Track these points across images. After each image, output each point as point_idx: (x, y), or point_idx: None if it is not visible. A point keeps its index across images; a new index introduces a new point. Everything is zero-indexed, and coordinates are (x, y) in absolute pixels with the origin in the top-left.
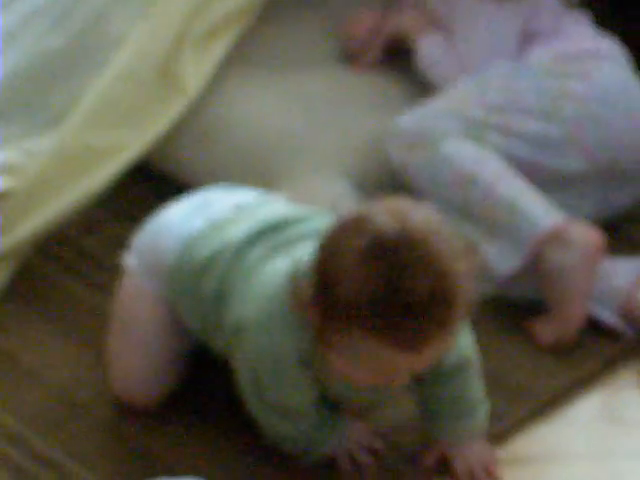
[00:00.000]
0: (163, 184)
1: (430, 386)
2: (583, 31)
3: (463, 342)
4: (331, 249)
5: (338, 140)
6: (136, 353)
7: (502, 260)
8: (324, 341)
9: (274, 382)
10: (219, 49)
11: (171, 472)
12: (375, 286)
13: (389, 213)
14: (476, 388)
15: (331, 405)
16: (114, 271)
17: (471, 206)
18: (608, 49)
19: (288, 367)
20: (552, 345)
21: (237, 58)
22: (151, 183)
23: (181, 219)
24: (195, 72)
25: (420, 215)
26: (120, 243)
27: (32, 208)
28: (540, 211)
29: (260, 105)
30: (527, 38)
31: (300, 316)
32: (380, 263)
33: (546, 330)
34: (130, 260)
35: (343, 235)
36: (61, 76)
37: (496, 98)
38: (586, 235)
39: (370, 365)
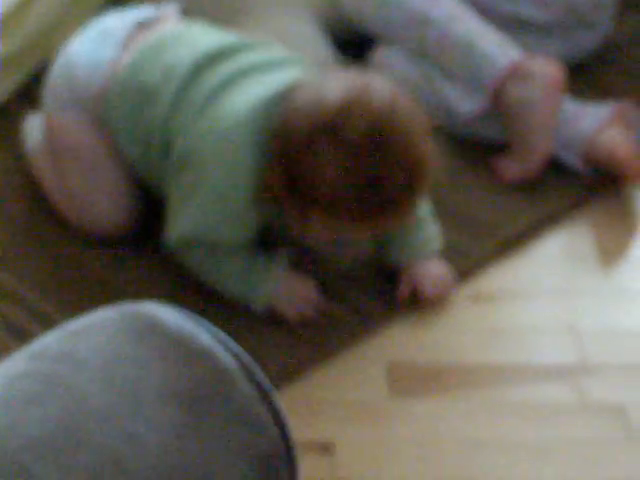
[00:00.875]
0: None
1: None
2: None
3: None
4: (303, 150)
5: None
6: (89, 182)
7: (464, 101)
8: (294, 219)
9: (216, 222)
10: None
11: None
12: (352, 183)
13: (357, 105)
14: (430, 220)
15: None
16: None
17: (427, 47)
18: None
19: (240, 204)
20: (516, 181)
21: None
22: None
23: (89, 50)
24: None
25: (384, 102)
26: None
27: None
28: (498, 49)
29: None
30: None
31: (262, 159)
32: (355, 163)
33: (510, 166)
34: (50, 108)
35: (316, 138)
36: None
37: None
38: (546, 68)
39: (333, 233)
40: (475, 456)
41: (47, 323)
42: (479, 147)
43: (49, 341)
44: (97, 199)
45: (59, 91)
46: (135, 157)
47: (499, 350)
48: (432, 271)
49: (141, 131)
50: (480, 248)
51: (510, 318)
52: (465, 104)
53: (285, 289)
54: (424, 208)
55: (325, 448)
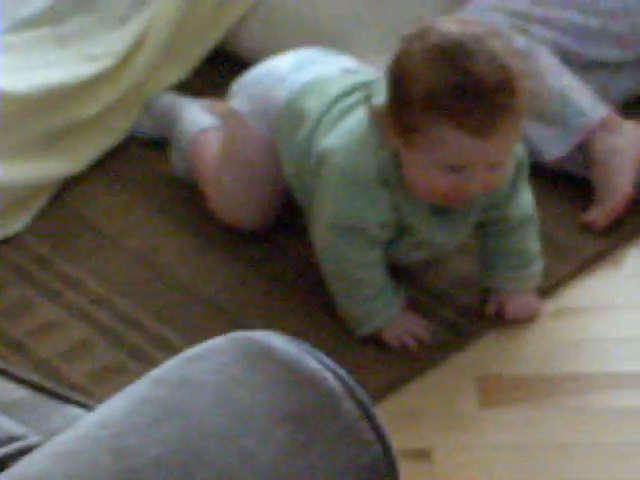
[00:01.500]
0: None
1: (494, 239)
2: None
3: (526, 200)
4: (401, 55)
5: (392, 22)
6: (245, 186)
7: (551, 146)
8: (403, 143)
9: (353, 203)
10: None
11: (246, 327)
12: (446, 75)
13: (451, 21)
14: (534, 244)
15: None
16: None
17: None
18: None
19: (369, 184)
20: (601, 225)
21: None
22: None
23: (291, 70)
24: None
25: (480, 23)
26: None
27: None
28: (589, 103)
29: None
30: None
31: (380, 137)
32: (448, 57)
33: (595, 212)
34: (238, 105)
35: (410, 43)
36: None
37: None
38: (633, 124)
39: (446, 160)
40: (564, 460)
41: (165, 347)
42: (561, 173)
43: (168, 368)
44: (249, 205)
45: (257, 104)
46: (290, 173)
47: (582, 360)
48: (523, 299)
49: (295, 149)
50: (561, 268)
51: (590, 331)
52: (551, 149)
53: (400, 324)
54: (536, 245)
55: (423, 455)
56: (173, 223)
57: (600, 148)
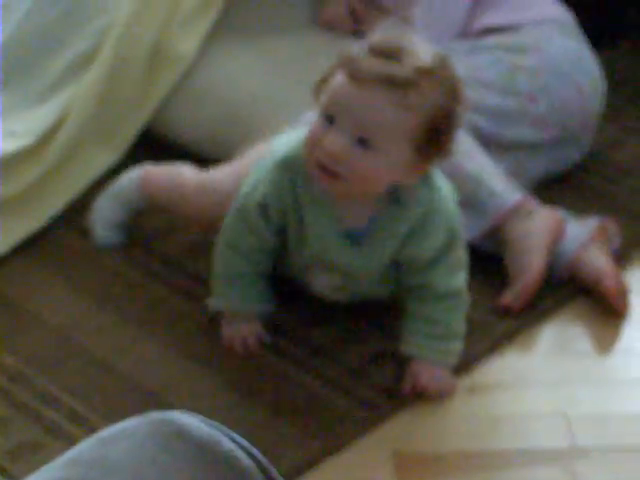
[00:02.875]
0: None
1: (418, 303)
2: None
3: (456, 276)
4: None
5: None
6: None
7: (465, 228)
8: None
9: (254, 184)
10: (206, 23)
11: (169, 407)
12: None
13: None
14: (458, 322)
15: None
16: None
17: None
18: (557, 15)
19: (273, 165)
20: (515, 304)
21: (219, 25)
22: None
23: None
24: (188, 44)
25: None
26: None
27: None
28: (503, 187)
29: (242, 66)
30: (478, 2)
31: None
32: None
33: (511, 298)
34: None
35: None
36: (54, 45)
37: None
38: (546, 210)
39: (325, 107)
40: None
41: (82, 424)
42: (474, 253)
43: (83, 448)
44: None
45: None
46: None
47: (496, 437)
48: (436, 374)
49: None
50: (476, 346)
51: (505, 407)
52: (467, 231)
53: (240, 327)
54: (461, 325)
55: None
56: (93, 300)
57: (513, 232)
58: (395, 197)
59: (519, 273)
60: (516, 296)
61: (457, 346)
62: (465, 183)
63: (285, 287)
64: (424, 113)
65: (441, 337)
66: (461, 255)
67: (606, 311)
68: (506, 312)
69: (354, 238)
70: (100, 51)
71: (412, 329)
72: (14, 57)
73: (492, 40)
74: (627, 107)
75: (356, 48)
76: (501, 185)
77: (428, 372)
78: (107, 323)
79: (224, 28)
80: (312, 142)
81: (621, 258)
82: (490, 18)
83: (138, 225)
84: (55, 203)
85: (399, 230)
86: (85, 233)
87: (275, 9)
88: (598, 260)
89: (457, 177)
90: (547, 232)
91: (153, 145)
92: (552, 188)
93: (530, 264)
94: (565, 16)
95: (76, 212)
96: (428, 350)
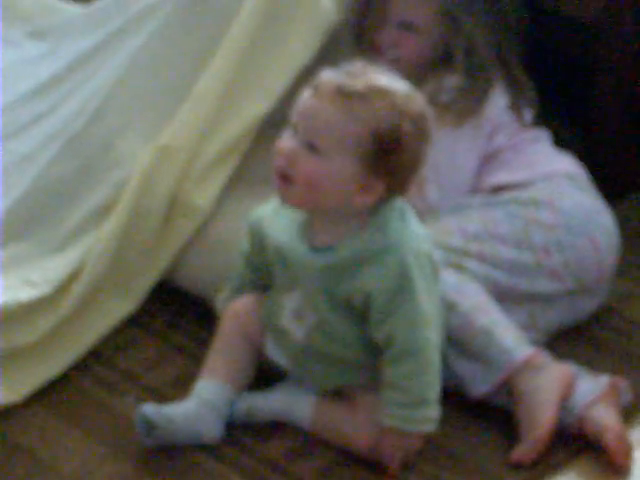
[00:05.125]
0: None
1: (385, 367)
2: (542, 150)
3: (420, 334)
4: None
5: None
6: None
7: (476, 382)
8: None
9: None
10: (223, 175)
11: None
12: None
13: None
14: (426, 387)
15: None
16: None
17: (449, 330)
18: (568, 170)
19: None
20: (525, 459)
21: (236, 175)
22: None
23: None
24: (204, 197)
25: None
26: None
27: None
28: (514, 342)
29: None
30: (488, 156)
31: None
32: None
33: (523, 454)
34: None
35: None
36: (73, 196)
37: (474, 228)
38: (557, 365)
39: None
40: None
41: None
42: (486, 407)
43: None
44: None
45: None
46: None
47: None
48: (404, 443)
49: None
50: None
51: None
52: (477, 386)
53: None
54: (427, 387)
55: None
56: (107, 448)
57: (523, 386)
58: (365, 224)
59: (530, 428)
60: (527, 451)
61: (429, 413)
62: (476, 337)
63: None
64: (369, 126)
65: (406, 405)
66: (424, 311)
67: (611, 467)
68: (518, 466)
69: (318, 250)
70: (117, 203)
71: (384, 397)
72: (34, 207)
73: (506, 195)
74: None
75: (326, 71)
76: (512, 340)
77: (396, 441)
78: (120, 471)
79: (239, 179)
80: (275, 150)
81: (632, 414)
82: (500, 177)
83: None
84: (71, 351)
85: (357, 252)
86: (100, 381)
87: None
88: (605, 416)
89: (468, 331)
90: (557, 387)
91: (169, 293)
92: (565, 340)
93: (540, 419)
94: (577, 170)
95: (91, 360)
96: (393, 418)
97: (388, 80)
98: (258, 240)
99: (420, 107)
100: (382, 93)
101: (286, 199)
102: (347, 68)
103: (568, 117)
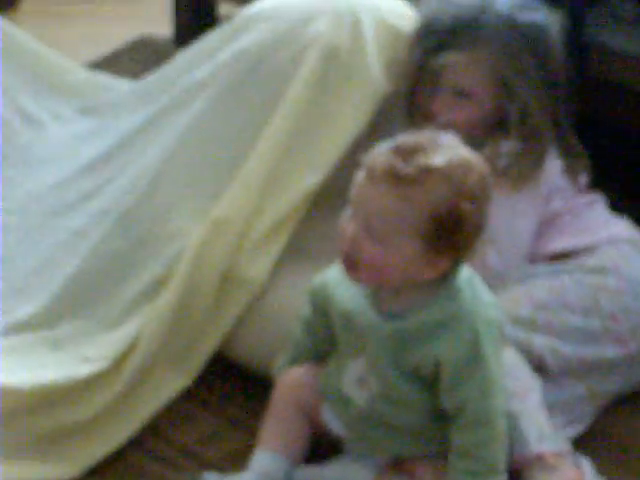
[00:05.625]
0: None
1: (452, 434)
2: (600, 214)
3: (492, 403)
4: None
5: None
6: None
7: None
8: None
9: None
10: (276, 247)
11: None
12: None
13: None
14: (496, 456)
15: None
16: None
17: None
18: (628, 235)
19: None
20: None
21: (289, 248)
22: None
23: None
24: (258, 269)
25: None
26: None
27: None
28: (535, 435)
29: None
30: (546, 221)
31: None
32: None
33: None
34: None
35: None
36: (126, 272)
37: (542, 296)
38: (571, 469)
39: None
40: None
41: None
42: None
43: None
44: None
45: None
46: None
47: None
48: None
49: None
50: None
51: None
52: None
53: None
54: (494, 457)
55: None
56: None
57: None
58: (435, 292)
59: None
60: None
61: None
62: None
63: None
64: (427, 210)
65: (477, 473)
66: (494, 379)
67: None
68: None
69: (387, 314)
70: (172, 277)
71: (452, 465)
72: (88, 283)
73: (572, 263)
74: None
75: (380, 147)
76: (535, 432)
77: None
78: None
79: (293, 252)
80: (338, 231)
81: None
82: (562, 242)
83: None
84: (127, 427)
85: (429, 320)
86: (156, 456)
87: None
88: None
89: None
90: None
91: (224, 367)
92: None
93: None
94: (636, 235)
95: (147, 435)
96: None
97: (442, 155)
98: (322, 305)
99: (478, 177)
100: (436, 174)
101: (353, 280)
102: (400, 144)
103: (622, 184)
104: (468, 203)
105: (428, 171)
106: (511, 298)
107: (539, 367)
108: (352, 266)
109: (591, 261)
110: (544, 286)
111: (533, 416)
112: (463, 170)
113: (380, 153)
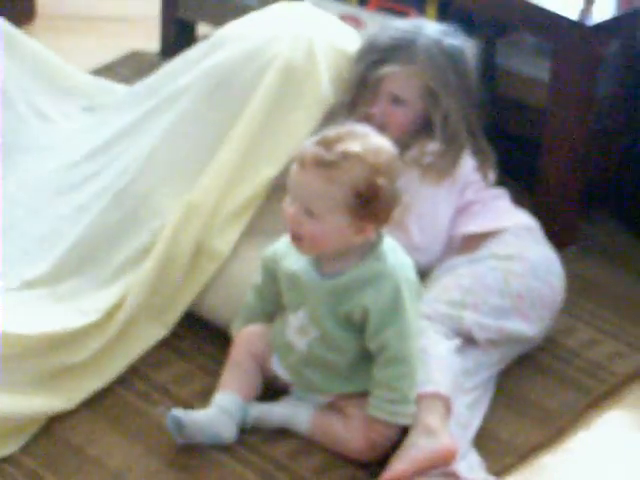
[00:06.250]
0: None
1: (378, 370)
2: (504, 205)
3: (408, 344)
4: None
5: None
6: None
7: None
8: None
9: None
10: (242, 222)
11: None
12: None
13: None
14: (411, 389)
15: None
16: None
17: None
18: (527, 223)
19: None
20: None
21: (249, 227)
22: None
23: None
24: (224, 244)
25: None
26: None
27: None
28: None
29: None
30: (460, 208)
31: None
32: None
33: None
34: None
35: None
36: (119, 240)
37: (467, 282)
38: (448, 437)
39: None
40: None
41: None
42: None
43: None
44: None
45: None
46: None
47: None
48: (388, 434)
49: None
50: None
51: None
52: None
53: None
54: (406, 389)
55: None
56: (143, 447)
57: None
58: (365, 255)
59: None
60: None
61: (409, 409)
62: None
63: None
64: (347, 186)
65: (394, 401)
66: (411, 325)
67: None
68: None
69: (327, 276)
70: (153, 248)
71: (373, 394)
72: (86, 249)
73: (486, 252)
74: (578, 299)
75: (308, 142)
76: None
77: (382, 431)
78: (154, 466)
79: (252, 230)
80: (284, 215)
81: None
82: (471, 227)
83: (179, 388)
84: (114, 367)
85: (359, 277)
86: (137, 392)
87: None
88: None
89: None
90: (431, 455)
91: (194, 322)
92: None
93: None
94: (533, 224)
95: (131, 375)
96: (384, 412)
97: (357, 142)
98: (271, 270)
99: (387, 157)
100: (354, 158)
101: (300, 251)
102: (323, 136)
103: (522, 181)
104: (382, 179)
105: (346, 156)
106: (443, 286)
107: (469, 338)
108: (298, 239)
109: (500, 249)
110: (467, 274)
111: (435, 363)
112: (375, 153)
113: (308, 145)
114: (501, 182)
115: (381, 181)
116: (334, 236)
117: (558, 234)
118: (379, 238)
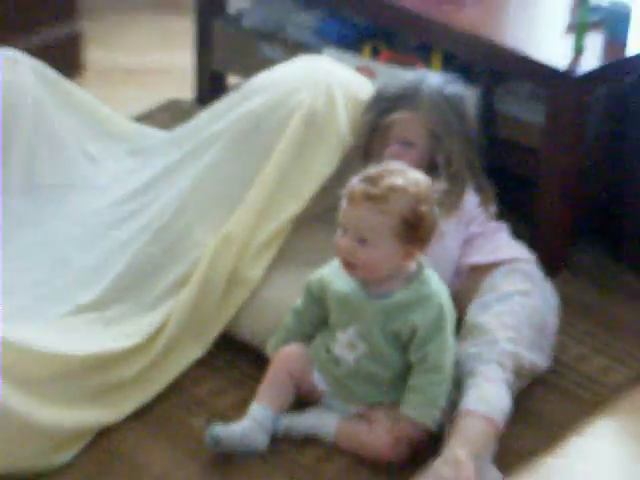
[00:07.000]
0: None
1: (415, 376)
2: (504, 238)
3: (446, 357)
4: None
5: None
6: None
7: None
8: None
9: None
10: (271, 252)
11: None
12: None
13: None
14: (441, 397)
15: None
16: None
17: None
18: (526, 256)
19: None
20: None
21: (279, 257)
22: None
23: None
24: (255, 271)
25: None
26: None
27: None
28: (474, 397)
29: (293, 284)
30: (465, 241)
31: None
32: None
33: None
34: None
35: None
36: (160, 271)
37: (509, 320)
38: (469, 469)
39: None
40: None
41: None
42: None
43: None
44: None
45: None
46: None
47: None
48: (413, 432)
49: None
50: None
51: None
52: None
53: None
54: (436, 395)
55: None
56: (185, 454)
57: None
58: (411, 278)
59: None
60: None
61: (437, 414)
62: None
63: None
64: (396, 215)
65: (425, 404)
66: (449, 342)
67: None
68: None
69: (375, 295)
70: (192, 276)
71: (407, 398)
72: (131, 279)
73: (511, 289)
74: (570, 320)
75: (353, 180)
76: (475, 395)
77: (409, 430)
78: (194, 471)
79: (282, 259)
80: (336, 246)
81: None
82: (475, 257)
83: (216, 401)
84: (158, 383)
85: (407, 299)
86: (179, 405)
87: (324, 242)
88: None
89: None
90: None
91: (230, 342)
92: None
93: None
94: (530, 256)
95: (173, 390)
96: (414, 412)
97: (398, 177)
98: (316, 294)
99: (425, 187)
100: (399, 190)
101: (354, 277)
102: (367, 174)
103: (518, 214)
104: (424, 206)
105: (393, 189)
106: (493, 326)
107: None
108: (352, 268)
109: (518, 286)
110: (505, 312)
111: (480, 385)
112: (415, 184)
113: (354, 183)
114: (501, 215)
115: (424, 208)
116: (386, 260)
117: (551, 262)
118: (421, 266)
